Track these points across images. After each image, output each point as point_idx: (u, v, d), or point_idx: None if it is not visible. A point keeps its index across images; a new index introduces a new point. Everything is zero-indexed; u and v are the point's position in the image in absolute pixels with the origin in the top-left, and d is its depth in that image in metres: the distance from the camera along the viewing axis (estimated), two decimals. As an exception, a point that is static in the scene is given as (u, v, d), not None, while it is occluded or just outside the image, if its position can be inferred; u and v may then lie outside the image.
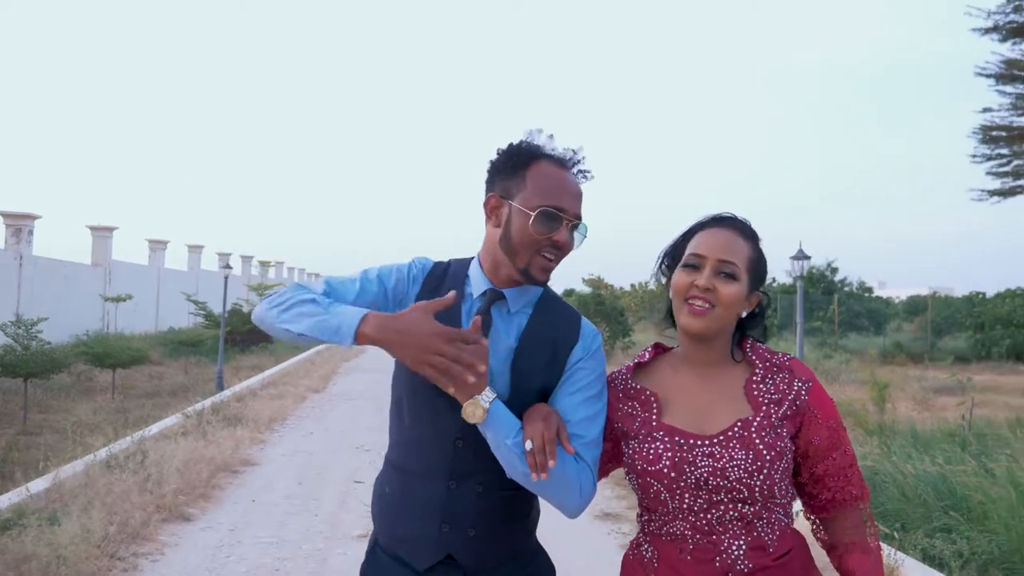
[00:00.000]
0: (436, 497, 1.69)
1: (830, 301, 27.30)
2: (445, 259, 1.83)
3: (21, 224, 18.24)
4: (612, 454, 1.75)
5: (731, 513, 1.59)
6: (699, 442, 1.62)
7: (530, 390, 1.69)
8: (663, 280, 1.79)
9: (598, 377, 1.73)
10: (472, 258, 1.80)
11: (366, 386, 14.11)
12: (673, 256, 1.76)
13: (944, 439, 8.09)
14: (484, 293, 1.73)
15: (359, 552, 5.02)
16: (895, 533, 5.05)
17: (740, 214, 1.77)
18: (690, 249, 1.70)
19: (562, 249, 1.70)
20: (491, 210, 1.73)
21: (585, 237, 1.73)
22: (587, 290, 30.66)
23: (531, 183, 1.68)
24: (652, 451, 1.63)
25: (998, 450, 6.84)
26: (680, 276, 1.69)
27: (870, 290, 35.56)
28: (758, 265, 1.73)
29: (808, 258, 7.79)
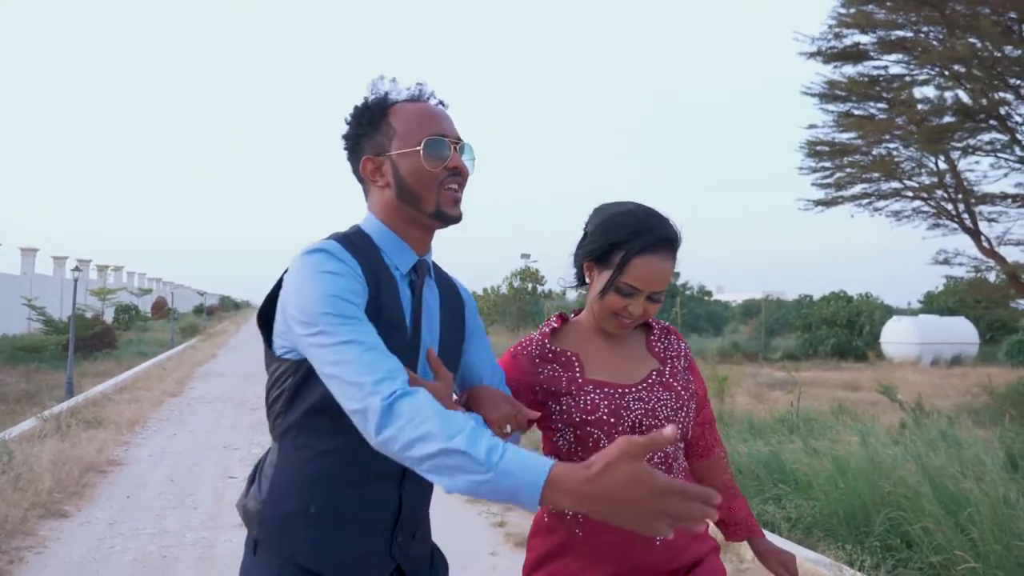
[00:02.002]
0: (390, 503, 1.51)
1: (673, 304, 28.93)
2: (334, 240, 1.50)
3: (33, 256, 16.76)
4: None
5: (658, 455, 1.73)
6: (628, 389, 1.75)
7: (456, 359, 1.65)
8: (575, 270, 1.85)
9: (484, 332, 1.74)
10: (358, 230, 1.56)
11: (223, 390, 13.92)
12: (606, 259, 1.75)
13: (775, 424, 9.04)
14: (414, 267, 1.57)
15: (239, 539, 5.20)
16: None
17: (673, 222, 1.77)
18: (628, 278, 1.70)
19: (462, 174, 1.56)
20: (372, 173, 1.57)
21: (474, 158, 1.60)
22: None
23: (400, 125, 1.54)
24: (589, 402, 1.72)
25: (820, 432, 7.75)
26: (614, 299, 1.72)
27: (709, 294, 37.90)
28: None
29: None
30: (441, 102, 1.61)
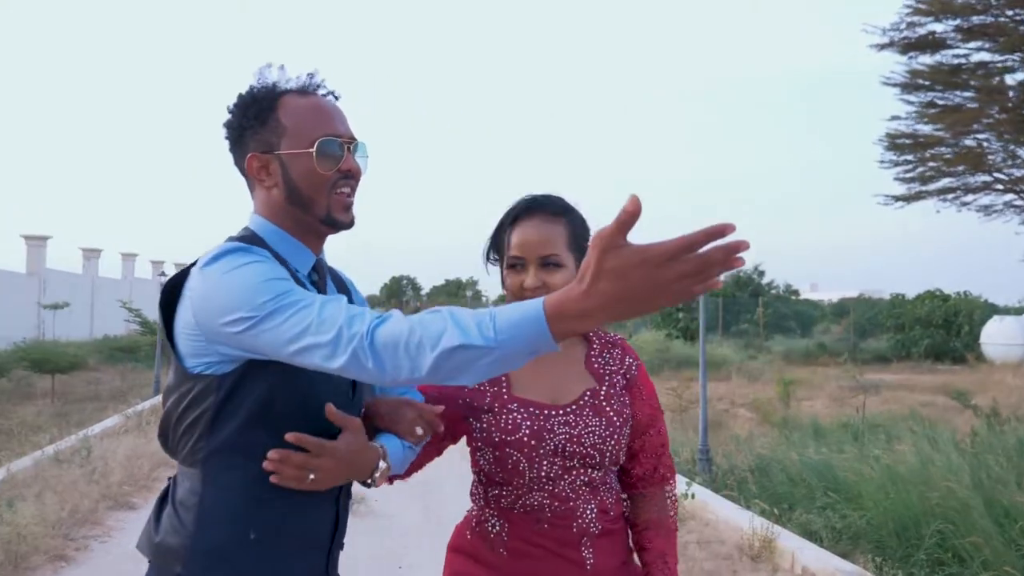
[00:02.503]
0: (329, 519, 1.48)
1: (756, 304, 28.33)
2: (234, 243, 1.40)
3: (39, 247, 18.19)
4: (450, 431, 1.69)
5: (582, 479, 1.63)
6: (555, 412, 1.65)
7: None
8: (488, 271, 1.78)
9: None
10: (251, 234, 1.46)
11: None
12: (497, 248, 1.75)
13: (839, 431, 8.85)
14: (314, 268, 1.51)
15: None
16: (775, 509, 5.68)
17: (547, 191, 1.74)
18: (510, 250, 1.68)
19: (355, 177, 1.48)
20: (258, 171, 1.46)
21: (367, 156, 1.53)
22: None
23: (289, 122, 1.44)
24: (510, 421, 1.63)
25: (883, 439, 7.55)
26: (510, 278, 1.70)
27: (796, 293, 36.93)
28: (580, 237, 1.71)
29: None
30: (332, 93, 1.51)
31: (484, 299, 42.07)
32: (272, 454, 1.33)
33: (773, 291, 32.97)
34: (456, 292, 37.77)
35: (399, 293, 74.38)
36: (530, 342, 1.11)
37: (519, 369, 1.59)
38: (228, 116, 1.49)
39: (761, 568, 4.92)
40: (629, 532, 1.77)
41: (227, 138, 1.50)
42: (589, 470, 1.64)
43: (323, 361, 1.21)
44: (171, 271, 35.38)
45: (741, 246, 1.01)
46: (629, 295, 1.04)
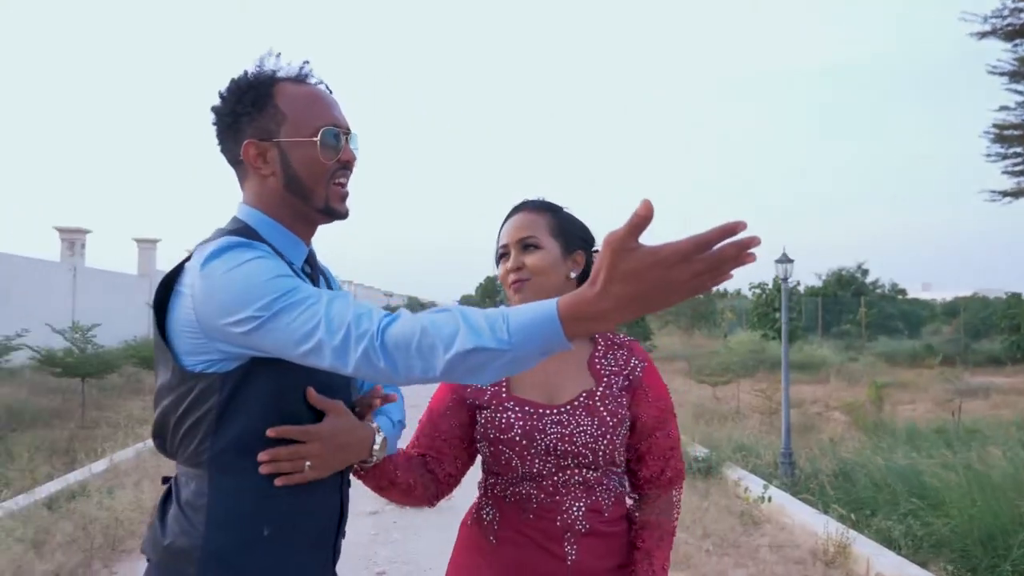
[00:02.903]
0: (335, 508, 1.50)
1: (859, 304, 27.36)
2: (230, 237, 1.37)
3: (75, 238, 19.39)
4: (465, 429, 1.76)
5: (575, 478, 1.67)
6: (548, 411, 1.69)
7: None
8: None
9: None
10: (244, 226, 1.45)
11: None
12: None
13: (933, 436, 8.51)
14: (307, 260, 1.52)
15: (368, 527, 5.72)
16: (852, 515, 5.56)
17: (534, 196, 1.84)
18: (499, 242, 1.80)
19: (350, 168, 1.50)
20: (255, 158, 1.44)
21: (358, 148, 1.53)
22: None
23: (289, 110, 1.43)
24: (504, 420, 1.68)
25: (978, 445, 7.24)
26: (501, 268, 1.78)
27: (903, 292, 35.42)
28: (565, 228, 1.78)
29: (791, 261, 8.15)
30: (325, 83, 1.51)
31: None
32: (262, 456, 1.35)
33: (878, 290, 31.74)
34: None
35: (494, 293, 74.76)
36: (544, 343, 1.12)
37: None
38: (219, 102, 1.47)
39: (834, 574, 4.83)
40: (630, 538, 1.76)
41: (216, 124, 1.48)
42: (583, 469, 1.67)
43: (333, 360, 1.20)
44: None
45: (752, 242, 1.04)
46: (643, 295, 1.06)
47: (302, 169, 1.43)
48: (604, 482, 1.71)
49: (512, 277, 1.74)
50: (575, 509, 1.67)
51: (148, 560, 1.42)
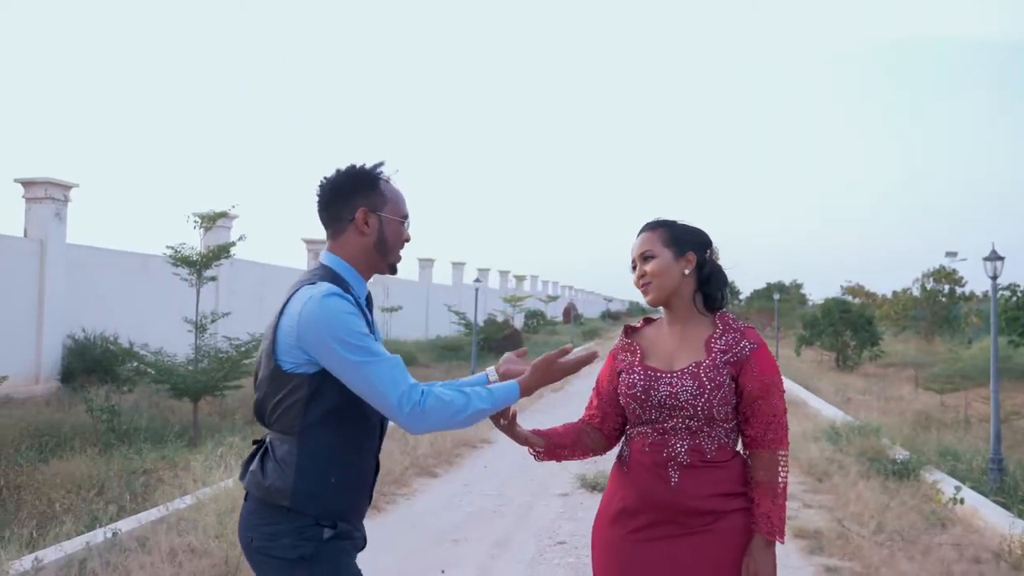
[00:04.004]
0: (373, 468, 2.12)
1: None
2: (334, 285, 1.97)
3: (319, 248, 21.52)
4: (614, 393, 2.29)
5: (681, 425, 2.13)
6: (663, 375, 2.17)
7: None
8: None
9: None
10: (334, 274, 2.04)
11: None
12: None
13: None
14: (367, 296, 2.14)
15: (558, 505, 6.29)
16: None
17: (653, 218, 2.32)
18: (631, 259, 2.32)
19: (408, 243, 2.17)
20: (362, 222, 2.05)
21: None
22: (847, 297, 29.56)
23: (388, 197, 2.08)
24: (631, 381, 2.20)
25: None
26: (634, 277, 2.29)
27: None
28: (677, 237, 2.24)
29: (1002, 259, 7.73)
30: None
31: (810, 301, 39.83)
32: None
33: None
34: (780, 294, 36.28)
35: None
36: (507, 400, 2.07)
37: (650, 344, 2.31)
38: (335, 177, 2.09)
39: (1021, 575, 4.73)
40: (740, 478, 2.16)
41: (330, 190, 2.09)
42: (687, 420, 2.12)
43: (384, 408, 1.92)
44: (495, 278, 38.95)
45: (593, 357, 2.16)
46: (547, 380, 2.15)
47: (392, 237, 2.11)
48: (707, 431, 2.14)
49: (640, 282, 2.25)
50: (679, 447, 2.12)
51: (249, 495, 2.05)
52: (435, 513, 6.12)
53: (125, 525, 4.76)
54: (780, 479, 2.15)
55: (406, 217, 2.14)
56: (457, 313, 22.06)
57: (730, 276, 2.31)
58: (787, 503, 2.19)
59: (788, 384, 15.62)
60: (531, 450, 2.30)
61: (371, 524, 5.67)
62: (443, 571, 4.81)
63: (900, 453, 7.83)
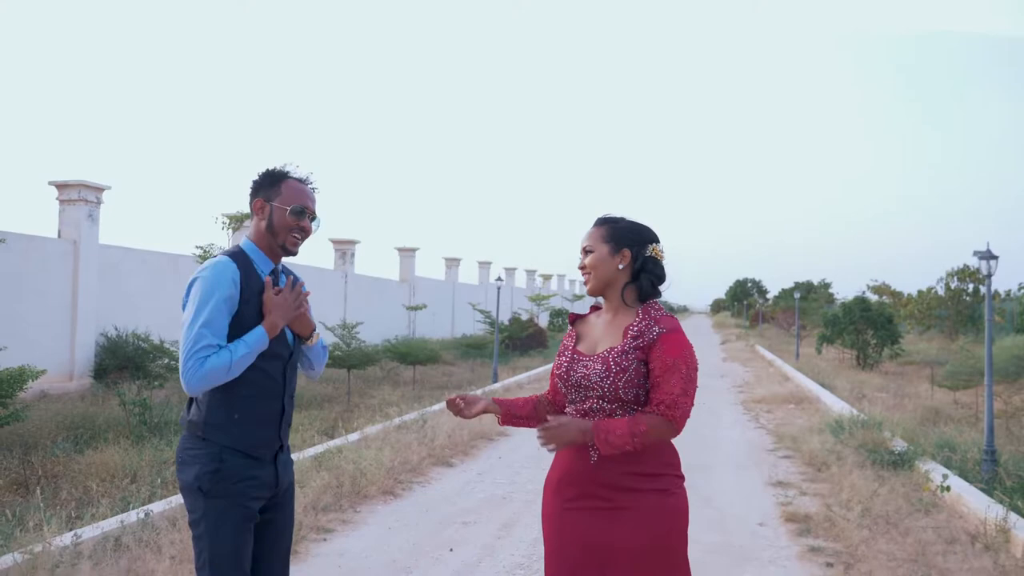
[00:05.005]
0: (277, 407, 2.55)
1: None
2: (224, 255, 2.50)
3: (346, 248, 22.14)
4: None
5: (596, 405, 2.37)
6: (583, 359, 2.43)
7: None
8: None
9: None
10: (238, 250, 2.54)
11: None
12: None
13: None
14: (273, 271, 2.57)
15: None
16: (1019, 503, 5.61)
17: (602, 214, 2.55)
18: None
19: (305, 232, 2.58)
20: (258, 210, 2.55)
21: (320, 226, 2.63)
22: (872, 296, 29.61)
23: (283, 192, 2.54)
24: (559, 363, 2.50)
25: None
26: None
27: None
28: (616, 234, 2.46)
29: (996, 257, 7.96)
30: (315, 188, 2.65)
31: (838, 299, 39.92)
32: None
33: None
34: (806, 295, 36.30)
35: (743, 296, 72.84)
36: (258, 341, 2.46)
37: (585, 331, 2.56)
38: (258, 176, 2.59)
39: (988, 555, 4.99)
40: (657, 459, 2.37)
41: (252, 187, 2.59)
42: (599, 400, 2.36)
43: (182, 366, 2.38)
44: (521, 277, 39.28)
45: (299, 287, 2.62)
46: (280, 315, 2.55)
47: (277, 223, 2.55)
48: (620, 413, 2.35)
49: (582, 273, 2.53)
50: None
51: (183, 429, 2.53)
52: (448, 499, 6.56)
53: (157, 507, 5.13)
54: (650, 429, 2.29)
55: (300, 210, 2.55)
56: (482, 312, 22.49)
57: (756, 275, 2.58)
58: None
59: (802, 381, 15.92)
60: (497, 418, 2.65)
61: (387, 508, 6.24)
62: (451, 549, 5.24)
63: (899, 445, 8.12)
